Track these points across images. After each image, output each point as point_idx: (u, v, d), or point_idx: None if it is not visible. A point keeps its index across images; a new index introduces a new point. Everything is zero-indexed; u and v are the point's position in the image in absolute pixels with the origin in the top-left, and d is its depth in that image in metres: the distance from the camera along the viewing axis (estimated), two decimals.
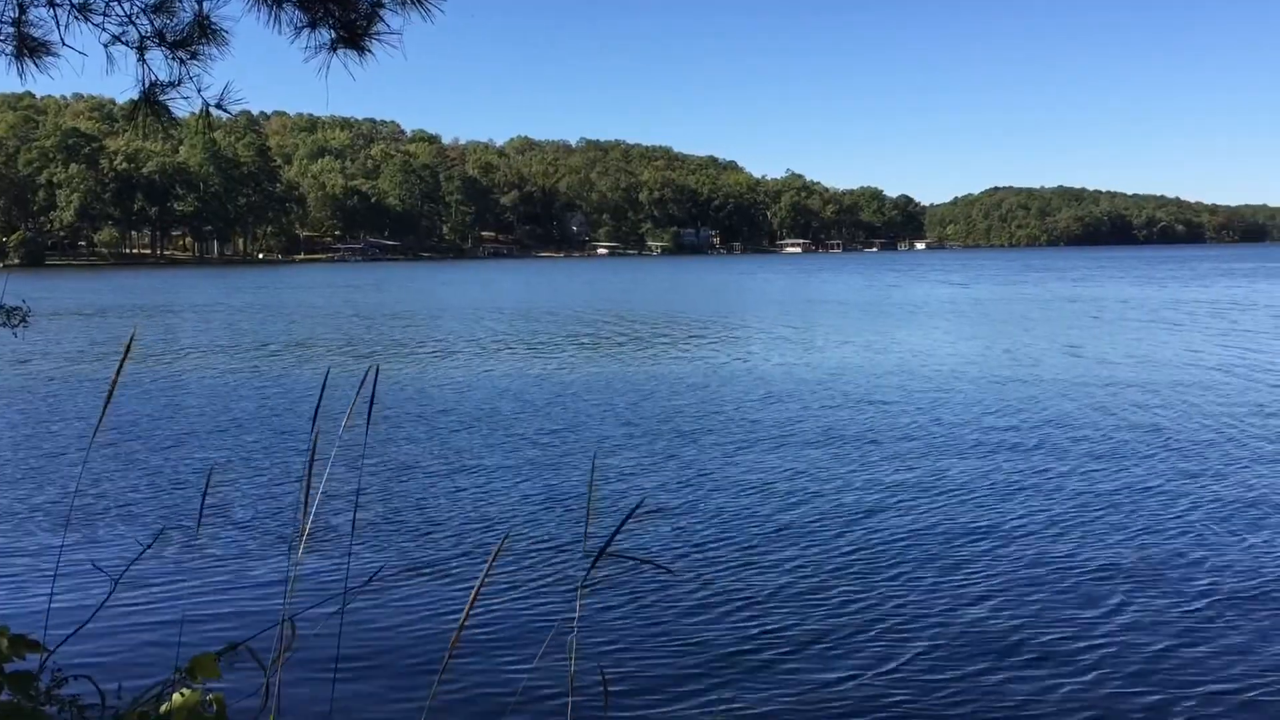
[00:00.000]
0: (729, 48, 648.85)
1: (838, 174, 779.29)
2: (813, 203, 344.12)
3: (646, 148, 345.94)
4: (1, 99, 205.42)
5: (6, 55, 5.89)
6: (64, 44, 5.81)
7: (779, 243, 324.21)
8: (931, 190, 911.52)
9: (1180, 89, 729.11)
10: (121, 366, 3.48)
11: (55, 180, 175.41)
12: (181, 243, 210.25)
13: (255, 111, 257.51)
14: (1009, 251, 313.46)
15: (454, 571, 10.56)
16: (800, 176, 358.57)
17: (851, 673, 7.99)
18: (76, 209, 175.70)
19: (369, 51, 6.10)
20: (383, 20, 6.04)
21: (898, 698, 7.56)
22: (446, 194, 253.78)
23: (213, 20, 6.02)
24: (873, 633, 8.75)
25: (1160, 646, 8.33)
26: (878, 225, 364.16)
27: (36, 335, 35.04)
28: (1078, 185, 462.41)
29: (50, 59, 5.97)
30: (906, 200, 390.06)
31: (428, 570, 10.60)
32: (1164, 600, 9.42)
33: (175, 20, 6.02)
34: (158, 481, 14.82)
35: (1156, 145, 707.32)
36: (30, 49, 5.92)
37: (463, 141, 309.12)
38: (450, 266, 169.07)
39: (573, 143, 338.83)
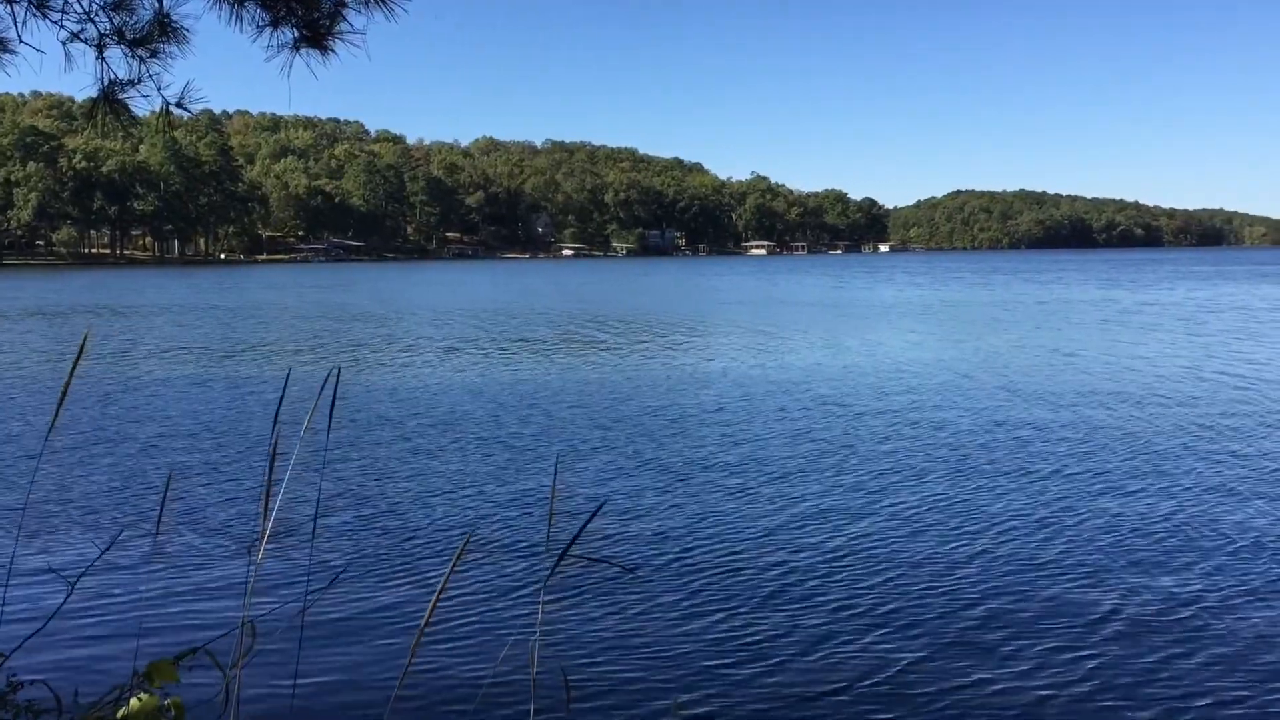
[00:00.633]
0: (694, 50, 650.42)
1: (803, 176, 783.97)
2: (778, 205, 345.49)
3: (612, 149, 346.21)
4: None
5: None
6: (21, 41, 5.73)
7: (744, 245, 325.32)
8: (895, 193, 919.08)
9: (1140, 94, 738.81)
10: (74, 367, 3.44)
11: (13, 179, 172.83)
12: (141, 242, 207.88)
13: (217, 111, 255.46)
14: (971, 254, 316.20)
15: (416, 573, 10.50)
16: (765, 179, 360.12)
17: (816, 673, 8.02)
18: (34, 208, 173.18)
19: (332, 51, 6.07)
20: (346, 20, 6.02)
21: (865, 698, 7.60)
22: (411, 194, 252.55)
23: (173, 18, 5.97)
24: (840, 635, 8.78)
25: (1157, 655, 8.34)
26: (842, 228, 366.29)
27: None
28: (1039, 189, 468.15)
29: (7, 56, 5.89)
30: (870, 203, 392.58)
31: (390, 572, 10.53)
32: (1157, 605, 9.44)
33: (135, 18, 5.96)
34: (116, 484, 14.62)
35: (1116, 149, 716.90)
36: None
37: (427, 142, 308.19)
38: (415, 267, 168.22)
39: (538, 144, 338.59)
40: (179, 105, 6.03)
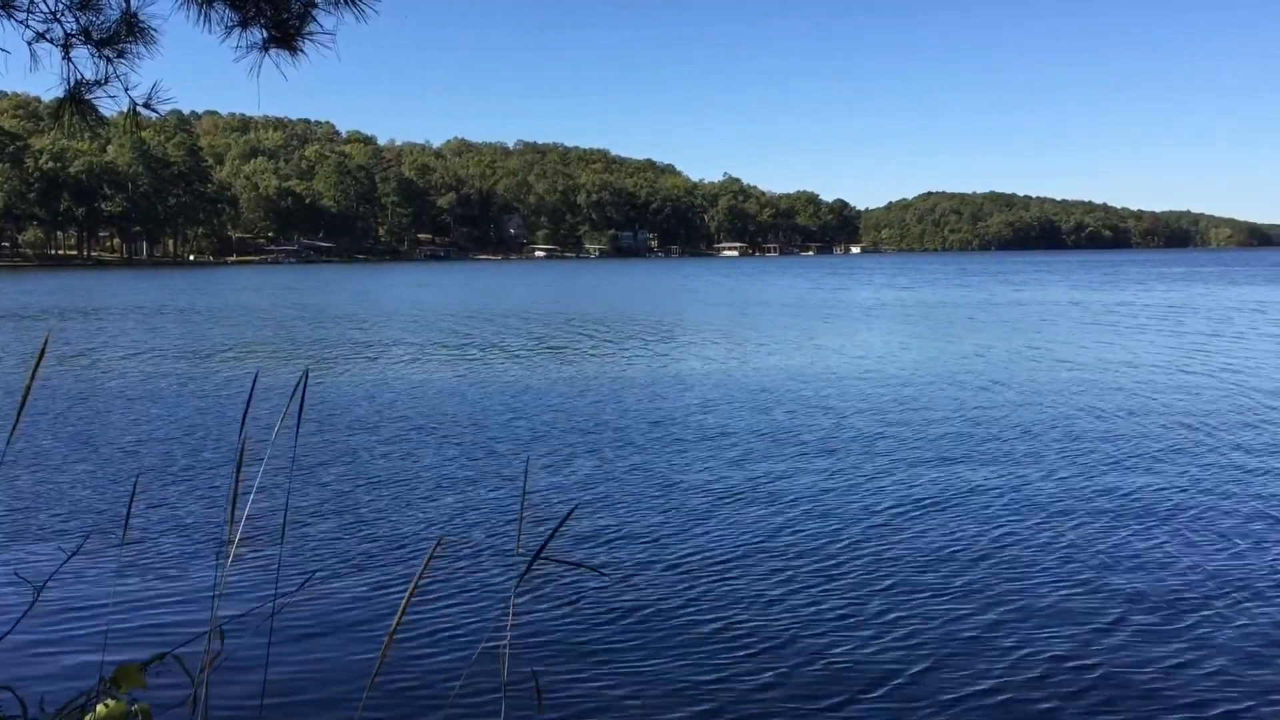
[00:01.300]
0: (666, 51, 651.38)
1: (774, 178, 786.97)
2: (749, 206, 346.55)
3: (584, 150, 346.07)
4: None
5: None
6: None
7: (716, 246, 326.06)
8: (867, 195, 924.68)
9: (1108, 96, 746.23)
10: (36, 370, 3.40)
11: None
12: (109, 244, 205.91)
13: (186, 111, 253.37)
14: (943, 255, 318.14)
15: (387, 577, 10.45)
16: (737, 180, 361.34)
17: (786, 673, 8.04)
18: (0, 209, 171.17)
19: (301, 52, 6.04)
20: (315, 20, 5.99)
21: (840, 701, 7.62)
22: (382, 195, 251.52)
23: (140, 18, 5.92)
24: (814, 637, 8.80)
25: (1157, 665, 8.35)
26: (814, 229, 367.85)
27: None
28: (1009, 190, 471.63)
29: None
30: (842, 205, 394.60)
31: (360, 576, 10.48)
32: (1159, 614, 9.42)
33: (101, 18, 5.91)
34: (82, 488, 14.47)
35: (1085, 151, 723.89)
36: None
37: (399, 143, 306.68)
38: (386, 269, 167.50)
39: (510, 145, 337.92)
40: (146, 106, 5.99)
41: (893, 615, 9.24)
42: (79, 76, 5.89)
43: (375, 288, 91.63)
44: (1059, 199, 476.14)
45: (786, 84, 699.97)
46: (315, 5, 5.93)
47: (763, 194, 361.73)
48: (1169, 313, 51.03)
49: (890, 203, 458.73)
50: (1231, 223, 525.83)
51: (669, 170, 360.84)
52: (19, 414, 3.58)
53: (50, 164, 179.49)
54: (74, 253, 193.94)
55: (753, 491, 13.98)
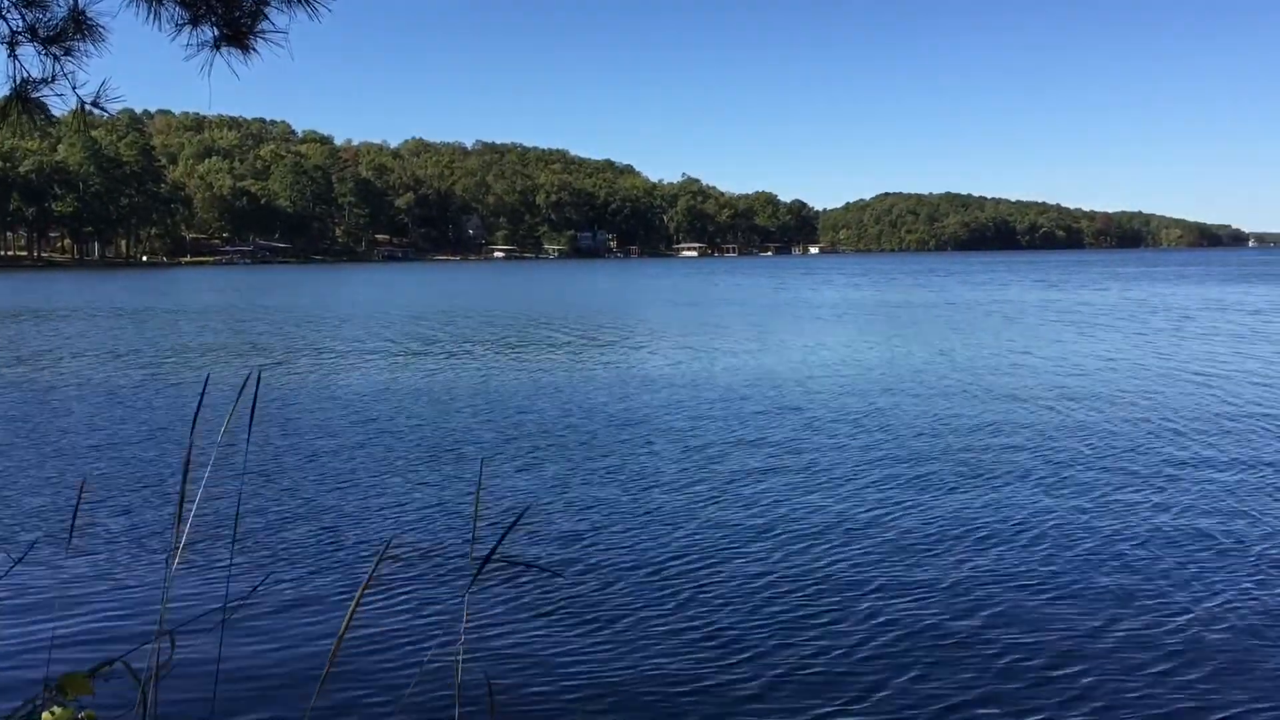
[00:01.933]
0: (624, 51, 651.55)
1: (733, 179, 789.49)
2: (708, 207, 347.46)
3: (543, 150, 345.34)
4: None
5: None
6: None
7: (675, 246, 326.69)
8: (824, 195, 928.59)
9: (1061, 98, 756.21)
10: None
11: None
12: (60, 244, 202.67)
13: (139, 110, 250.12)
14: (901, 256, 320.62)
15: (340, 580, 10.35)
16: (696, 181, 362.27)
17: (745, 675, 8.05)
18: None
19: (254, 50, 5.97)
20: (268, 18, 5.93)
21: (797, 703, 7.65)
22: (339, 196, 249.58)
23: (88, 15, 5.84)
24: (771, 639, 8.82)
25: (1155, 669, 8.30)
26: (772, 230, 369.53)
27: None
28: (964, 191, 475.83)
29: None
30: (800, 205, 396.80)
31: (312, 579, 10.36)
32: (1147, 618, 9.40)
33: (48, 15, 5.83)
34: (29, 493, 14.22)
35: (1039, 152, 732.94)
36: None
37: (356, 143, 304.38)
38: (343, 270, 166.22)
39: (468, 145, 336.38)
40: (95, 104, 5.91)
41: (855, 616, 9.27)
42: (25, 75, 5.81)
43: (331, 289, 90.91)
44: (1014, 199, 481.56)
45: (744, 85, 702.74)
46: (268, 3, 5.88)
47: (721, 195, 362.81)
48: (1135, 311, 52.03)
49: (848, 203, 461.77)
50: (1182, 224, 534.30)
51: (628, 171, 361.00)
52: None
53: None
54: (24, 254, 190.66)
55: (714, 492, 13.98)
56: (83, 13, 5.82)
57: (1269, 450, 16.45)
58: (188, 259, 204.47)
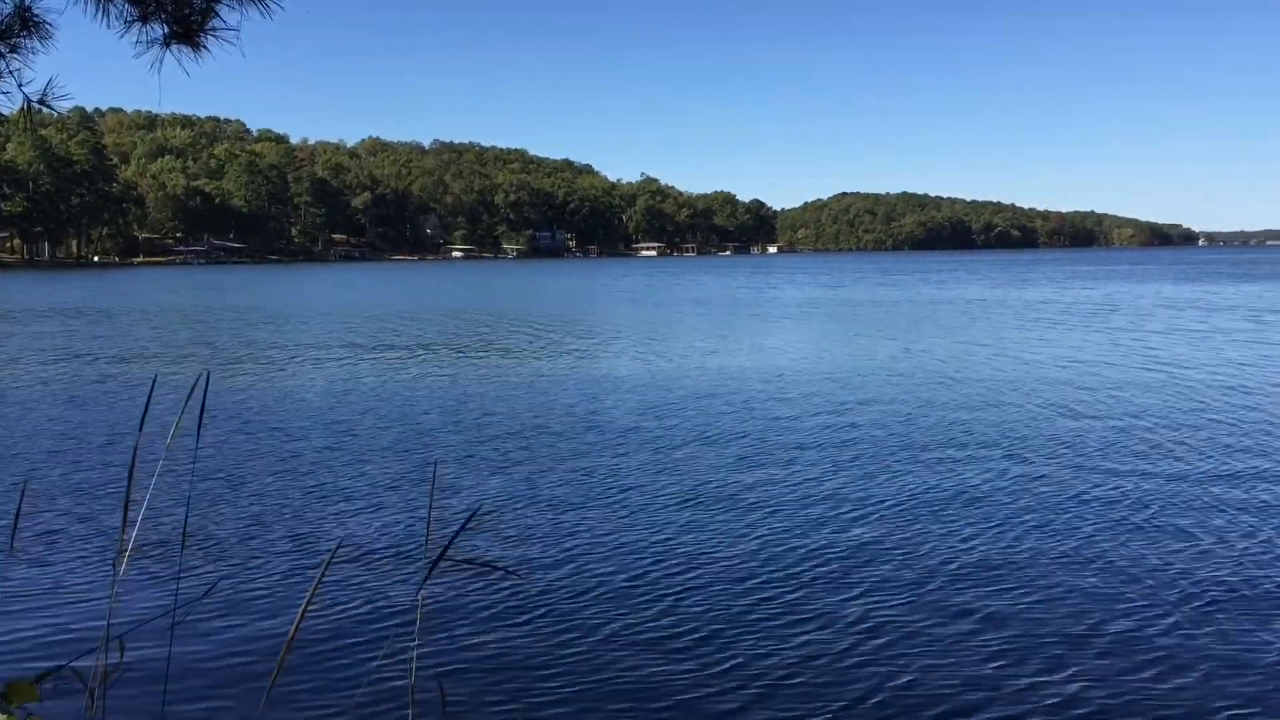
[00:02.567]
0: (583, 51, 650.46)
1: (692, 179, 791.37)
2: (667, 206, 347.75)
3: (501, 150, 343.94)
4: None
5: None
6: None
7: (635, 246, 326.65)
8: (783, 195, 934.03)
9: (1014, 98, 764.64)
10: None
11: None
12: (9, 245, 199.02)
13: (90, 108, 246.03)
14: (859, 255, 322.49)
15: (293, 583, 10.24)
16: (655, 180, 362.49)
17: (702, 676, 8.04)
18: None
19: (204, 48, 5.90)
20: (218, 15, 5.86)
21: (749, 700, 7.67)
22: (295, 195, 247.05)
23: (34, 11, 5.74)
24: (724, 639, 8.82)
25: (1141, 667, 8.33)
26: (731, 229, 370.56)
27: None
28: (921, 191, 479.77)
29: None
30: (759, 205, 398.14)
31: (265, 583, 10.23)
32: (1131, 621, 9.45)
33: None
34: None
35: (994, 153, 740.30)
36: None
37: (312, 142, 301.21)
38: (299, 270, 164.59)
39: (426, 144, 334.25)
40: (42, 102, 5.81)
41: (821, 617, 9.28)
42: None
43: (286, 289, 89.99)
44: (969, 199, 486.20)
45: (703, 85, 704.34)
46: (219, 0, 5.81)
47: (680, 194, 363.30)
48: (1097, 309, 52.85)
49: (806, 203, 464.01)
50: (1134, 223, 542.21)
51: (587, 170, 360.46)
52: None
53: None
54: None
55: (678, 492, 13.96)
56: (29, 9, 5.72)
57: (1239, 444, 16.71)
58: (140, 259, 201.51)
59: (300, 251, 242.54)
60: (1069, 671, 8.01)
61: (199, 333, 43.20)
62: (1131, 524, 12.08)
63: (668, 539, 11.65)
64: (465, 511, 12.87)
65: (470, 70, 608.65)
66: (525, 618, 9.22)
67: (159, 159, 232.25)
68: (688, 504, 13.25)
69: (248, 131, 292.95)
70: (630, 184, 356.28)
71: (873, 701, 7.54)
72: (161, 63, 5.81)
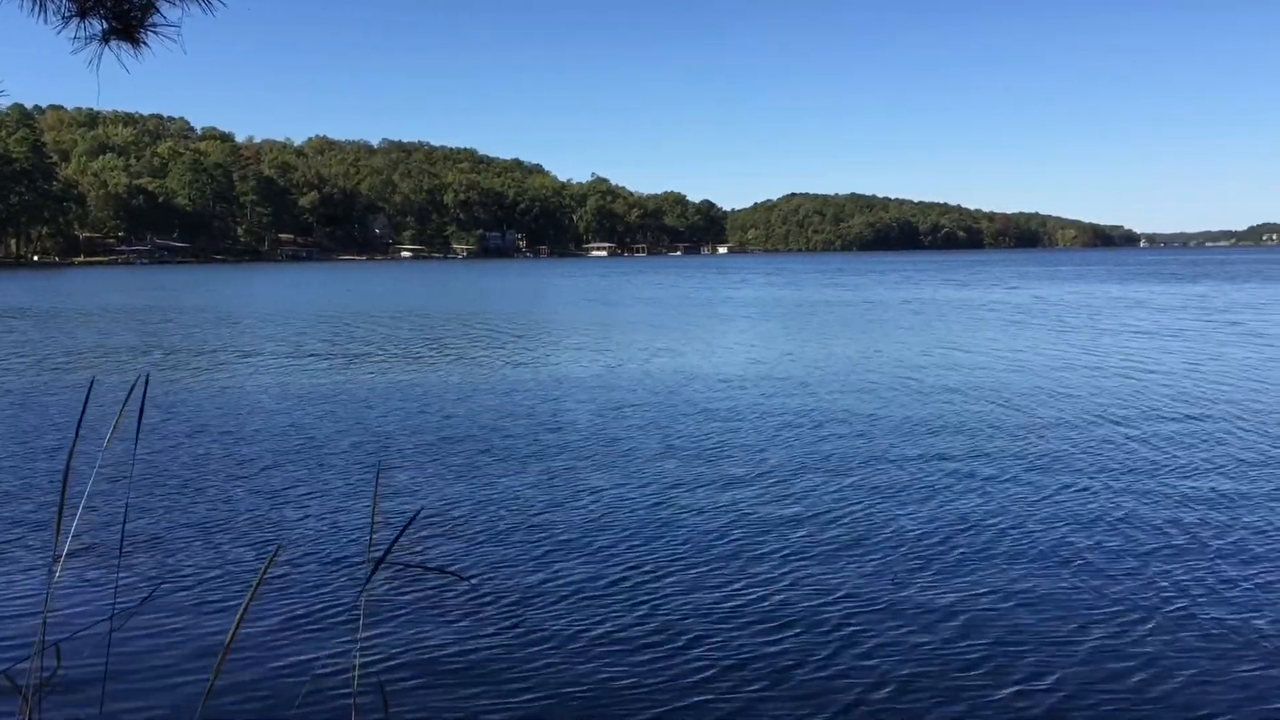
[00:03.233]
0: (533, 50, 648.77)
1: (642, 179, 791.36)
2: (618, 207, 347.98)
3: (451, 149, 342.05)
4: None
5: None
6: None
7: (585, 246, 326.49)
8: (732, 196, 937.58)
9: (959, 99, 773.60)
10: None
11: None
12: None
13: (29, 105, 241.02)
14: (809, 256, 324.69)
15: (234, 588, 10.07)
16: (605, 181, 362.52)
17: (647, 680, 8.03)
18: None
19: (145, 44, 5.80)
20: (159, 12, 5.76)
21: (703, 702, 7.67)
22: (241, 194, 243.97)
23: None
24: (675, 641, 8.82)
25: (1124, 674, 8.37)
26: (681, 229, 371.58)
27: None
28: (869, 192, 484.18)
29: None
30: (709, 205, 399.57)
31: (206, 588, 10.05)
32: (1116, 621, 9.56)
33: None
34: None
35: (939, 154, 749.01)
36: None
37: (258, 140, 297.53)
38: (245, 270, 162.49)
39: (374, 143, 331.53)
40: None
41: (782, 617, 9.28)
42: None
43: (233, 289, 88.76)
44: (916, 201, 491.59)
45: (653, 85, 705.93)
46: None
47: (630, 194, 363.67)
48: (1049, 309, 53.63)
49: (755, 204, 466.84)
50: (1077, 224, 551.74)
51: (537, 170, 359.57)
52: None
53: None
54: None
55: (631, 494, 13.91)
56: None
57: (1202, 441, 16.97)
58: (81, 259, 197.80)
59: (247, 251, 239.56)
60: (1052, 676, 8.08)
61: (145, 334, 42.46)
62: (1107, 523, 12.08)
63: (620, 540, 11.61)
64: (408, 513, 12.74)
65: (419, 69, 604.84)
66: (469, 620, 9.13)
67: (100, 157, 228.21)
68: (643, 505, 13.19)
69: (192, 129, 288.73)
70: (581, 184, 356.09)
71: (847, 704, 7.56)
72: (100, 59, 5.72)
